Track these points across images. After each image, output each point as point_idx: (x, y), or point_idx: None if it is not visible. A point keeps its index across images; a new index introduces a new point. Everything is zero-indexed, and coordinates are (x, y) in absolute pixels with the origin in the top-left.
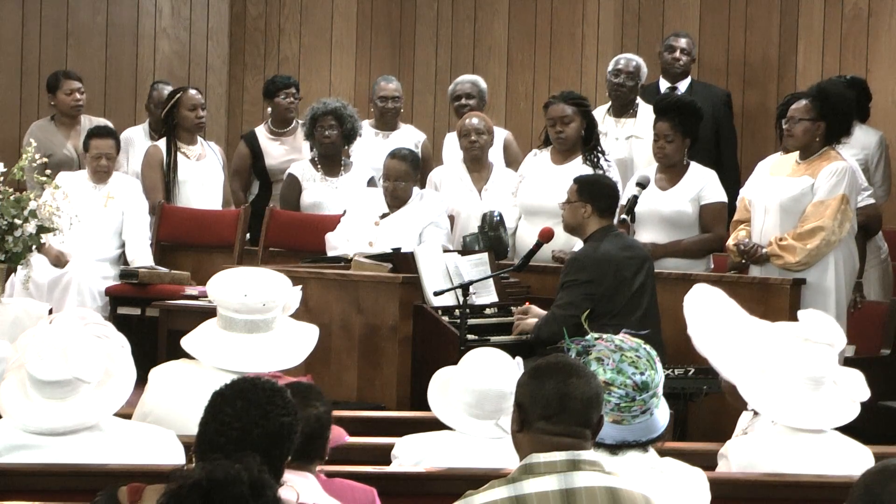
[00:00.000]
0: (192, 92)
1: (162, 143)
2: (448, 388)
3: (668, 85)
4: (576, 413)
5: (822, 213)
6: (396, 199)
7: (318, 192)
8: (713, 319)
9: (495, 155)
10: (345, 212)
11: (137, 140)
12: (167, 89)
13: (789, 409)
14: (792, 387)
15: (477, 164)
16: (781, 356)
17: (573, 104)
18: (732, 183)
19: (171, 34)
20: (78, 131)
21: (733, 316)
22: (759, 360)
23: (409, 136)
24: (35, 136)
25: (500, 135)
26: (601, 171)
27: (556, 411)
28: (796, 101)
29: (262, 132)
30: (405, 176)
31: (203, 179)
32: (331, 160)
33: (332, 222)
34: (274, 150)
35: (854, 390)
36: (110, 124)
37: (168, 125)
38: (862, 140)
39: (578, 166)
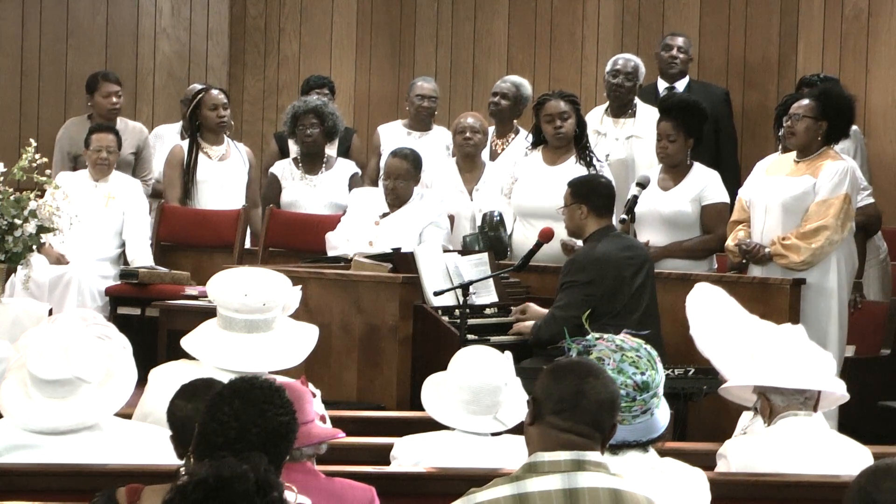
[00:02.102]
0: (215, 92)
1: (186, 143)
2: (442, 390)
3: (666, 85)
4: (587, 412)
5: (826, 213)
6: (396, 199)
7: (295, 191)
8: (715, 320)
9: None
10: (345, 211)
11: (168, 138)
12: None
13: (783, 373)
14: (782, 355)
15: (469, 162)
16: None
17: (568, 101)
18: (732, 182)
19: (171, 34)
20: None
21: (735, 315)
22: (749, 349)
23: (442, 138)
24: (69, 133)
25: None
26: (594, 171)
27: (568, 407)
28: (795, 100)
29: None
30: (406, 174)
31: (223, 180)
32: (312, 158)
33: (332, 222)
34: None
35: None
36: (145, 128)
37: (192, 125)
38: None
39: (571, 166)
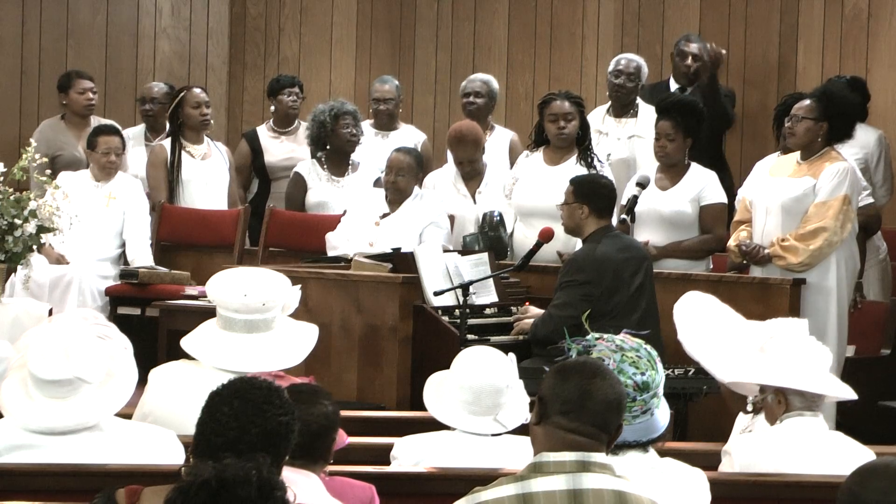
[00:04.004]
0: (197, 90)
1: (167, 142)
2: (444, 389)
3: (677, 87)
4: (594, 413)
5: (825, 214)
6: (397, 193)
7: (324, 192)
8: (702, 323)
9: (501, 156)
10: (345, 212)
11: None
12: (157, 87)
13: (797, 375)
14: (792, 357)
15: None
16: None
17: (574, 103)
18: (733, 183)
19: (171, 34)
20: (87, 132)
21: (723, 319)
22: (754, 344)
23: (409, 137)
24: (45, 135)
25: (506, 136)
26: (595, 171)
27: (575, 408)
28: (796, 101)
29: (263, 131)
30: (408, 170)
31: (207, 179)
32: (341, 158)
33: (332, 222)
34: (275, 149)
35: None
36: (118, 126)
37: (173, 124)
38: (861, 139)
39: (572, 167)
